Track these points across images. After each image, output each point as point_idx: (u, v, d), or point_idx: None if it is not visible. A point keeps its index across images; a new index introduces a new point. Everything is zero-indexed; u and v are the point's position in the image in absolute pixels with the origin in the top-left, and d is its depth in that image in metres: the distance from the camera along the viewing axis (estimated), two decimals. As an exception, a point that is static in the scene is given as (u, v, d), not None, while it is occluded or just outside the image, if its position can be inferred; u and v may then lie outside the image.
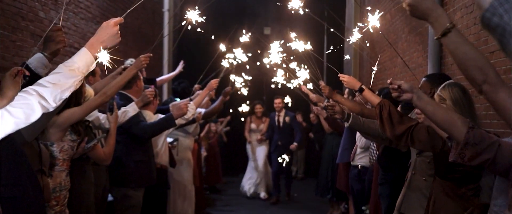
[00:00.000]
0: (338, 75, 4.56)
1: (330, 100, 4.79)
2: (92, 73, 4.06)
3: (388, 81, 2.85)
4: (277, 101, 10.79)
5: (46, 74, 2.50)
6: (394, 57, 8.55)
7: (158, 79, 8.08)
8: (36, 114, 2.26)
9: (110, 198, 5.51)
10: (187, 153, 7.25)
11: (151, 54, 4.14)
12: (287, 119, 10.74)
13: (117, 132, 5.09)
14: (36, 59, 3.02)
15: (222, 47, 6.77)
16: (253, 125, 11.21)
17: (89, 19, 8.10)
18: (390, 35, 8.63)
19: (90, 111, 4.05)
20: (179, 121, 5.73)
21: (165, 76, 9.13)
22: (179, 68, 8.63)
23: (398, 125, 3.44)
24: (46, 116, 2.91)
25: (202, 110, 6.94)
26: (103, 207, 5.26)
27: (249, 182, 11.14)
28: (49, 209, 3.71)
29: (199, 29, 4.70)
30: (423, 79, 4.25)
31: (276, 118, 10.86)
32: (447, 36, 2.04)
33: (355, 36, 4.32)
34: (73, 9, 7.59)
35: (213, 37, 6.97)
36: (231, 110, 12.50)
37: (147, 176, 5.48)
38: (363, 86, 4.23)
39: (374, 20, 3.88)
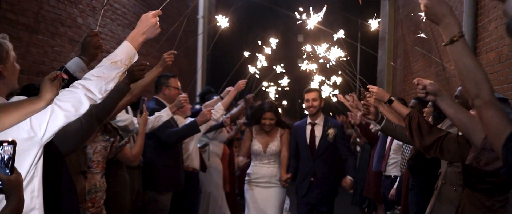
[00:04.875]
0: (367, 86, 4.56)
1: (366, 100, 4.69)
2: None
3: (415, 81, 2.93)
4: (310, 95, 6.15)
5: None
6: (427, 67, 8.51)
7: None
8: (84, 107, 2.37)
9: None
10: (215, 158, 7.27)
11: (175, 52, 4.19)
12: (331, 132, 6.05)
13: (148, 136, 5.20)
14: (74, 63, 3.11)
15: (246, 53, 6.78)
16: (256, 146, 6.20)
17: (126, 25, 8.27)
18: (424, 45, 8.59)
19: (117, 110, 3.98)
20: (210, 123, 5.82)
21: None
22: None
23: (427, 136, 3.43)
24: (90, 128, 3.01)
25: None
26: (136, 211, 5.35)
27: None
28: (85, 211, 3.78)
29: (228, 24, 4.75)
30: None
31: (307, 131, 6.16)
32: (454, 45, 2.07)
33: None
34: (110, 16, 7.76)
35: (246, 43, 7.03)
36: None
37: (174, 181, 5.55)
38: (392, 98, 4.23)
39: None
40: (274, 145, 6.17)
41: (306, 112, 6.47)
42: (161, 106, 5.48)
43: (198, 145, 6.59)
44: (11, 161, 1.79)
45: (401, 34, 10.79)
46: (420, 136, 3.43)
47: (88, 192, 3.83)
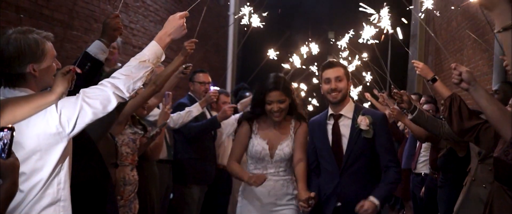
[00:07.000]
0: (412, 61, 4.50)
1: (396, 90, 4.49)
2: None
3: (452, 65, 2.90)
4: (332, 73, 3.70)
5: (120, 66, 2.66)
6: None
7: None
8: (112, 104, 2.44)
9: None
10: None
11: (196, 40, 4.20)
12: (363, 121, 3.64)
13: (176, 131, 5.33)
14: (94, 46, 3.19)
15: (272, 52, 6.76)
16: (258, 146, 3.87)
17: (158, 22, 8.36)
18: (455, 43, 8.52)
19: (141, 101, 4.01)
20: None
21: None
22: None
23: (466, 121, 3.41)
24: (109, 118, 3.09)
25: None
26: (165, 205, 5.42)
27: None
28: None
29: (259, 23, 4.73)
30: None
31: (328, 128, 3.78)
32: (508, 32, 2.06)
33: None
34: (143, 12, 7.86)
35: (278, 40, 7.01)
36: None
37: (202, 175, 5.60)
38: (436, 77, 4.18)
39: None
40: (287, 146, 3.85)
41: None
42: (193, 102, 5.56)
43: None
44: (8, 146, 1.87)
45: (433, 30, 10.69)
46: (460, 120, 3.39)
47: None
